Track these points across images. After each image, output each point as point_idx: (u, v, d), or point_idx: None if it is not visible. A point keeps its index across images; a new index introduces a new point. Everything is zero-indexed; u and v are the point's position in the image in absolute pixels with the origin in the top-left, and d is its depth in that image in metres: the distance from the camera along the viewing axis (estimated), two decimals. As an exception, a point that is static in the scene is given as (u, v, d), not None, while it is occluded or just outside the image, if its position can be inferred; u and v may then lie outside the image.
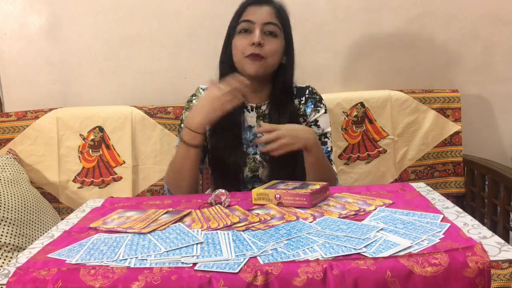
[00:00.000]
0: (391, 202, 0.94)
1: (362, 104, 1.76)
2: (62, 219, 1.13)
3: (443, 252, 0.68)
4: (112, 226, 0.88)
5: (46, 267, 0.71)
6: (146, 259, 0.71)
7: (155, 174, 1.72)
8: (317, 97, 1.31)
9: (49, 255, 0.76)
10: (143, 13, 1.81)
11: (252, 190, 1.01)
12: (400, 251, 0.70)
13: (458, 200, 1.79)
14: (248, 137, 1.25)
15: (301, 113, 1.28)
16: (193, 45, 1.83)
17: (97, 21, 1.82)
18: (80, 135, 1.71)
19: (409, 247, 0.71)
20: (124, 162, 1.72)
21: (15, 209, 1.41)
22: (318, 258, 0.69)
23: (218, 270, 0.67)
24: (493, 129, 1.92)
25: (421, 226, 0.79)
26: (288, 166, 1.21)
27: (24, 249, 0.93)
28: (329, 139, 1.29)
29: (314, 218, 0.87)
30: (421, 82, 1.86)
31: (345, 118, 1.76)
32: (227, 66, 1.24)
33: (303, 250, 0.72)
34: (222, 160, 1.22)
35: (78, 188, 1.71)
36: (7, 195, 1.43)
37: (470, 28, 1.85)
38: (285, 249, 0.72)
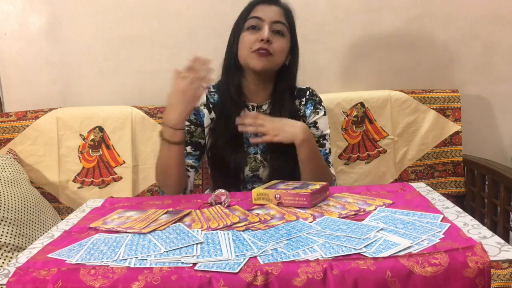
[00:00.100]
0: (391, 202, 0.94)
1: (362, 104, 1.76)
2: (62, 219, 1.13)
3: (443, 252, 0.68)
4: (112, 226, 0.88)
5: (46, 267, 0.71)
6: (146, 259, 0.71)
7: (155, 174, 1.72)
8: (317, 99, 1.31)
9: (49, 255, 0.76)
10: (143, 13, 1.82)
11: (252, 190, 1.01)
12: (400, 251, 0.70)
13: (458, 200, 1.79)
14: (249, 136, 1.25)
15: (301, 114, 1.28)
16: (193, 45, 1.83)
17: (97, 21, 1.82)
18: (80, 135, 1.71)
19: (409, 247, 0.71)
20: (124, 162, 1.72)
21: (15, 209, 1.41)
22: (318, 258, 0.69)
23: (218, 270, 0.67)
24: (493, 129, 1.92)
25: (421, 226, 0.79)
26: (288, 166, 1.21)
27: (24, 249, 0.93)
28: (327, 141, 1.29)
29: (314, 218, 0.87)
30: (421, 82, 1.86)
31: (345, 118, 1.76)
32: (232, 62, 1.25)
33: (303, 250, 0.72)
34: (223, 160, 1.22)
35: (78, 188, 1.71)
36: (7, 195, 1.43)
37: (470, 28, 1.85)
38: (285, 249, 0.72)
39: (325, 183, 1.02)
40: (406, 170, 1.79)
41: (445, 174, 1.80)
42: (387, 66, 1.88)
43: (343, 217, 0.87)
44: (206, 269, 0.67)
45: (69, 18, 1.81)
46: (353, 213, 0.89)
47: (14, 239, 1.36)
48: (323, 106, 1.30)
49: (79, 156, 1.72)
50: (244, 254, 0.71)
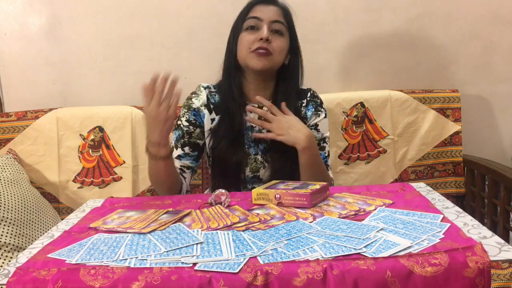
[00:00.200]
0: (391, 202, 0.94)
1: (362, 104, 1.76)
2: (62, 219, 1.13)
3: (443, 252, 0.68)
4: (112, 226, 0.88)
5: (46, 267, 0.71)
6: (146, 259, 0.71)
7: (155, 174, 1.72)
8: (318, 100, 1.31)
9: (49, 255, 0.76)
10: (143, 13, 1.82)
11: (252, 190, 1.01)
12: (400, 251, 0.70)
13: (458, 200, 1.79)
14: (250, 137, 1.25)
15: (301, 115, 1.28)
16: (193, 45, 1.83)
17: (97, 21, 1.82)
18: (80, 135, 1.71)
19: (409, 247, 0.71)
20: (124, 162, 1.72)
21: (15, 209, 1.41)
22: (318, 258, 0.69)
23: (218, 270, 0.67)
24: (493, 129, 1.92)
25: (421, 226, 0.79)
26: (289, 167, 1.21)
27: (24, 249, 0.93)
28: (327, 144, 1.29)
29: (314, 218, 0.87)
30: (421, 82, 1.86)
31: (345, 118, 1.76)
32: (231, 63, 1.25)
33: (303, 250, 0.72)
34: (223, 160, 1.22)
35: (78, 188, 1.71)
36: (7, 195, 1.43)
37: (470, 28, 1.85)
38: (285, 249, 0.72)
39: (325, 183, 1.02)
40: (406, 170, 1.79)
41: (445, 174, 1.80)
42: (387, 66, 1.88)
43: (343, 217, 0.87)
44: (206, 269, 0.67)
45: (69, 18, 1.82)
46: (353, 213, 0.89)
47: (14, 239, 1.36)
48: (324, 108, 1.30)
49: (79, 156, 1.72)
50: (244, 254, 0.71)
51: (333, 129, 1.72)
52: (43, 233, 0.98)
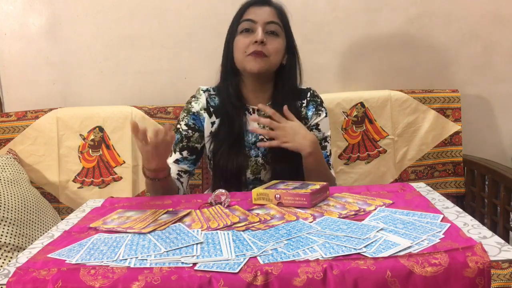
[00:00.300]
0: (391, 202, 0.94)
1: (362, 104, 1.76)
2: (62, 219, 1.13)
3: (443, 252, 0.68)
4: (112, 226, 0.88)
5: (46, 267, 0.71)
6: (146, 259, 0.71)
7: (155, 174, 1.72)
8: (319, 100, 1.30)
9: (49, 255, 0.76)
10: (143, 13, 1.82)
11: (252, 190, 1.01)
12: (400, 251, 0.70)
13: (458, 200, 1.79)
14: (250, 139, 1.25)
15: (302, 115, 1.28)
16: (193, 45, 1.84)
17: (97, 21, 1.82)
18: (80, 135, 1.71)
19: (409, 247, 0.71)
20: (124, 162, 1.72)
21: (15, 209, 1.41)
22: (318, 258, 0.69)
23: (218, 270, 0.67)
24: (493, 129, 1.92)
25: (421, 226, 0.79)
26: (290, 168, 1.21)
27: (24, 249, 0.93)
28: (328, 143, 1.29)
29: (314, 218, 0.87)
30: (421, 82, 1.86)
31: (345, 118, 1.76)
32: (228, 66, 1.24)
33: (303, 250, 0.72)
34: (225, 164, 1.21)
35: (78, 188, 1.71)
36: (7, 195, 1.43)
37: (470, 28, 1.85)
38: (285, 249, 0.72)
39: (325, 183, 1.02)
40: (406, 170, 1.79)
41: (445, 174, 1.80)
42: (387, 66, 1.88)
43: (343, 217, 0.87)
44: (206, 269, 0.67)
45: (69, 18, 1.82)
46: (353, 213, 0.89)
47: (14, 239, 1.36)
48: (324, 108, 1.30)
49: (79, 156, 1.72)
50: (244, 254, 0.71)
51: (333, 129, 1.72)
52: (43, 233, 0.98)
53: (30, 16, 1.81)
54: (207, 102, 1.26)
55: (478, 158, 1.77)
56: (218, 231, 0.83)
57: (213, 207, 0.97)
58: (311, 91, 1.31)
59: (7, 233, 1.35)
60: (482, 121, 1.91)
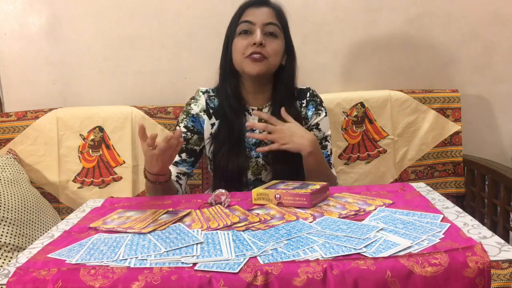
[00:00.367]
0: (391, 202, 0.94)
1: (362, 104, 1.76)
2: (62, 219, 1.13)
3: (443, 252, 0.68)
4: (112, 226, 0.88)
5: (46, 267, 0.71)
6: (146, 259, 0.71)
7: (155, 174, 1.72)
8: (318, 100, 1.30)
9: (49, 255, 0.76)
10: (143, 13, 1.82)
11: (252, 190, 1.01)
12: (400, 251, 0.70)
13: (458, 200, 1.79)
14: (251, 140, 1.25)
15: (302, 115, 1.27)
16: (193, 45, 1.84)
17: (97, 21, 1.82)
18: (80, 135, 1.71)
19: (409, 247, 0.71)
20: (124, 162, 1.72)
21: (15, 209, 1.41)
22: (318, 258, 0.69)
23: (218, 270, 0.67)
24: (493, 129, 1.92)
25: (421, 226, 0.79)
26: (291, 169, 1.20)
27: (24, 249, 0.93)
28: (329, 142, 1.29)
29: (314, 218, 0.87)
30: (421, 82, 1.86)
31: (345, 118, 1.76)
32: (227, 68, 1.24)
33: (303, 250, 0.72)
34: (225, 165, 1.21)
35: (78, 188, 1.71)
36: (7, 195, 1.43)
37: (470, 28, 1.85)
38: (285, 249, 0.72)
39: (325, 183, 1.02)
40: (406, 170, 1.79)
41: (445, 174, 1.80)
42: (387, 66, 1.88)
43: (343, 217, 0.87)
44: (206, 269, 0.67)
45: (69, 18, 1.81)
46: (353, 213, 0.89)
47: (14, 239, 1.36)
48: (324, 107, 1.30)
49: (79, 156, 1.72)
50: (244, 254, 0.71)
51: (333, 129, 1.72)
52: (43, 233, 0.98)
53: (30, 16, 1.81)
54: (207, 103, 1.26)
55: (478, 158, 1.77)
56: (218, 231, 0.83)
57: (213, 207, 0.97)
58: (311, 91, 1.31)
59: (7, 233, 1.35)
60: (482, 121, 1.91)
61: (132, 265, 0.69)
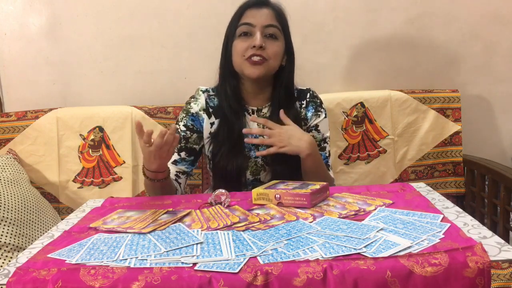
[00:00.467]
0: (391, 202, 0.94)
1: (362, 104, 1.76)
2: (62, 219, 1.13)
3: (443, 252, 0.68)
4: (112, 226, 0.88)
5: (46, 267, 0.71)
6: (146, 259, 0.71)
7: (155, 174, 1.72)
8: (318, 101, 1.30)
9: (49, 255, 0.76)
10: (143, 13, 1.82)
11: (252, 190, 1.01)
12: (400, 251, 0.70)
13: (458, 200, 1.79)
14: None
15: (302, 116, 1.27)
16: (193, 45, 1.84)
17: (97, 21, 1.82)
18: (80, 135, 1.71)
19: (409, 247, 0.71)
20: (124, 162, 1.72)
21: (15, 209, 1.41)
22: (318, 258, 0.69)
23: (218, 270, 0.67)
24: (493, 129, 1.92)
25: (421, 226, 0.79)
26: (289, 169, 1.20)
27: (24, 249, 0.93)
28: (327, 144, 1.29)
29: (314, 218, 0.87)
30: (421, 82, 1.86)
31: (345, 118, 1.76)
32: (227, 69, 1.24)
33: (303, 250, 0.72)
34: (225, 165, 1.21)
35: (78, 188, 1.71)
36: (7, 195, 1.43)
37: (470, 28, 1.85)
38: (285, 249, 0.72)
39: (325, 183, 1.02)
40: (406, 170, 1.79)
41: (445, 174, 1.80)
42: (387, 66, 1.88)
43: (343, 217, 0.87)
44: (206, 269, 0.67)
45: (69, 18, 1.81)
46: (353, 213, 0.89)
47: (14, 239, 1.36)
48: (323, 109, 1.30)
49: (79, 156, 1.72)
50: (244, 254, 0.71)
51: (333, 129, 1.72)
52: (43, 233, 0.98)
53: (30, 16, 1.81)
54: (206, 103, 1.26)
55: (478, 158, 1.77)
56: (218, 231, 0.83)
57: (213, 207, 0.97)
58: (311, 92, 1.30)
59: (7, 233, 1.35)
60: (482, 121, 1.91)
61: (132, 265, 0.69)
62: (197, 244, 0.76)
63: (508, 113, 1.91)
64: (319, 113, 1.28)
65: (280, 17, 1.22)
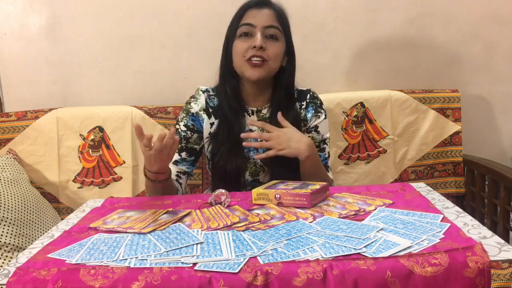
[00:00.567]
0: (391, 202, 0.94)
1: (362, 104, 1.76)
2: (62, 219, 1.13)
3: (443, 252, 0.68)
4: (112, 226, 0.88)
5: (46, 267, 0.71)
6: (146, 259, 0.71)
7: (155, 174, 1.72)
8: (318, 102, 1.30)
9: (49, 255, 0.76)
10: (143, 13, 1.82)
11: (252, 190, 1.01)
12: (400, 251, 0.70)
13: (458, 200, 1.79)
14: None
15: (301, 117, 1.27)
16: (193, 45, 1.84)
17: (97, 21, 1.82)
18: (80, 135, 1.71)
19: (409, 247, 0.71)
20: (124, 162, 1.72)
21: (15, 209, 1.41)
22: (318, 258, 0.69)
23: (218, 270, 0.67)
24: (493, 129, 1.92)
25: (421, 226, 0.79)
26: (288, 171, 1.20)
27: (24, 249, 0.93)
28: (327, 145, 1.29)
29: (314, 218, 0.87)
30: (421, 82, 1.86)
31: (345, 118, 1.76)
32: (227, 69, 1.24)
33: (303, 250, 0.72)
34: (224, 166, 1.21)
35: (78, 188, 1.71)
36: (7, 195, 1.43)
37: (470, 28, 1.85)
38: (285, 249, 0.72)
39: (325, 183, 1.02)
40: (406, 170, 1.79)
41: (445, 174, 1.80)
42: (387, 66, 1.88)
43: (343, 217, 0.87)
44: (206, 269, 0.67)
45: (69, 18, 1.82)
46: (353, 213, 0.89)
47: (14, 239, 1.36)
48: (323, 110, 1.30)
49: (79, 156, 1.72)
50: (244, 254, 0.71)
51: (333, 129, 1.72)
52: (43, 233, 0.98)
53: (30, 16, 1.81)
54: (206, 102, 1.26)
55: (478, 158, 1.77)
56: (218, 231, 0.83)
57: (213, 207, 0.97)
58: (311, 93, 1.30)
59: (7, 233, 1.35)
60: (482, 121, 1.91)
61: (132, 265, 0.69)
62: (197, 244, 0.76)
63: (508, 113, 1.91)
64: (319, 114, 1.28)
65: (281, 18, 1.21)
